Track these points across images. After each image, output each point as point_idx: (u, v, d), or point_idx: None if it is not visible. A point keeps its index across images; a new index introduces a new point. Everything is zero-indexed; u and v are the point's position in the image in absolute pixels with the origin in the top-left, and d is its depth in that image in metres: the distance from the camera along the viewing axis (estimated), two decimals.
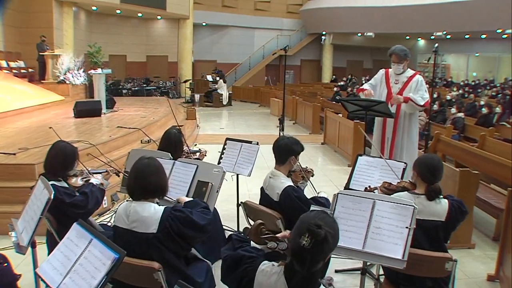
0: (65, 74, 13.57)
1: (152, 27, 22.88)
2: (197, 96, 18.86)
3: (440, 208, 2.78)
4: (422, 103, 4.84)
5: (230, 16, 25.24)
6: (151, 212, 2.47)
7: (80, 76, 13.95)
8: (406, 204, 2.43)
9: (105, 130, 7.86)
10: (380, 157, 3.69)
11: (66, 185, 3.20)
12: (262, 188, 3.43)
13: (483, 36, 23.05)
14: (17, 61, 14.75)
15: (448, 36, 22.85)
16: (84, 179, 3.34)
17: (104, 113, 10.29)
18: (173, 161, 3.41)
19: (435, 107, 10.60)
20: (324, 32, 26.50)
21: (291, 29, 27.30)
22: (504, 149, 6.40)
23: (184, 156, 3.96)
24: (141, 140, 7.64)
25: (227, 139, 4.41)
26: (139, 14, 21.19)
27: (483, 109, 10.00)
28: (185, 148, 4.09)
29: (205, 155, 4.37)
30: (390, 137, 5.10)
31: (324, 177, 7.17)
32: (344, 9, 23.72)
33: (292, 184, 3.21)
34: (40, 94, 12.22)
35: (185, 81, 21.20)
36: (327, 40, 27.00)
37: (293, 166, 3.30)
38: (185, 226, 2.46)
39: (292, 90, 19.20)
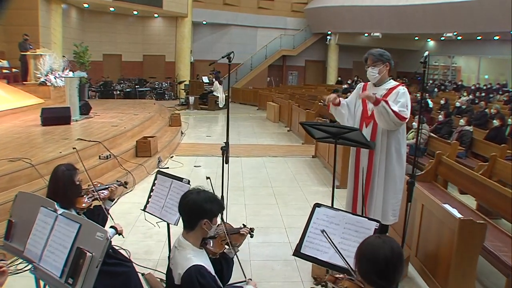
0: (46, 75, 12.73)
1: (148, 25, 22.06)
2: (191, 99, 17.90)
3: None
4: (396, 109, 3.48)
5: (231, 15, 24.37)
6: None
7: (64, 78, 13.09)
8: None
9: (62, 143, 6.94)
10: (347, 211, 2.71)
11: None
12: (169, 258, 2.46)
13: (496, 37, 21.88)
14: (0, 61, 14.00)
15: (459, 37, 21.80)
16: None
17: (76, 120, 9.42)
18: (56, 214, 2.47)
19: (441, 117, 9.56)
20: (329, 32, 25.46)
21: (295, 29, 26.39)
22: None
23: (80, 199, 3.04)
24: (99, 156, 6.71)
25: (158, 172, 3.44)
26: (135, 12, 20.39)
27: (494, 121, 8.93)
28: (88, 187, 3.16)
29: (126, 187, 3.39)
30: (365, 167, 3.78)
31: (304, 203, 6.08)
32: (350, 8, 22.71)
33: (200, 262, 2.18)
34: (16, 97, 11.37)
35: (180, 82, 20.31)
36: (333, 40, 26.00)
37: (209, 232, 2.28)
38: None
39: (292, 93, 18.21)
